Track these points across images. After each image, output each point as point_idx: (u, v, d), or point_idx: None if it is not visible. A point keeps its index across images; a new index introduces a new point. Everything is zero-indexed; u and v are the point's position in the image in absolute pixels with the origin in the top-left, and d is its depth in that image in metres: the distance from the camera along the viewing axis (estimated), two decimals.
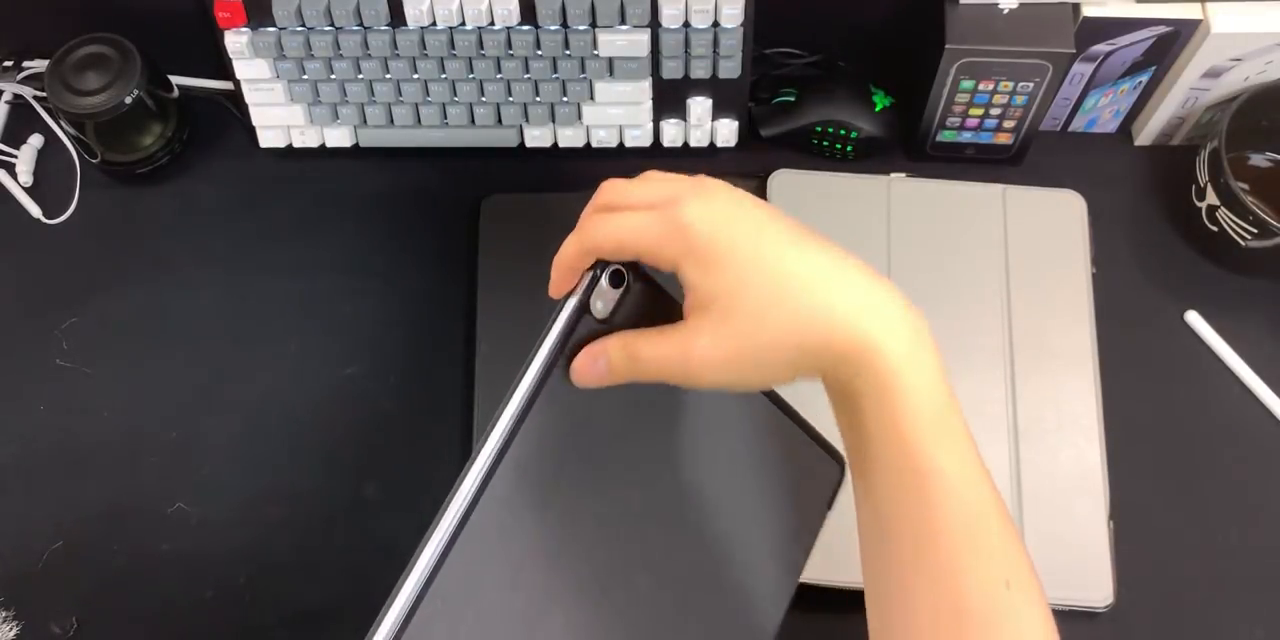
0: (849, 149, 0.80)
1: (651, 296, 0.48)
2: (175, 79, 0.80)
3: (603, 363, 0.45)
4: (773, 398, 0.55)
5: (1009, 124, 0.77)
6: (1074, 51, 0.72)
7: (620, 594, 0.49)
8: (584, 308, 0.46)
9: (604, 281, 0.46)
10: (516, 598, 0.45)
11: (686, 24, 0.72)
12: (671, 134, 0.79)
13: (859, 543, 0.48)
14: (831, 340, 0.42)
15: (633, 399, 0.49)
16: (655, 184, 0.46)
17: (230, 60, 0.75)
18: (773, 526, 0.57)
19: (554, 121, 0.78)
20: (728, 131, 0.79)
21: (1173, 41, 0.74)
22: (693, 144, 0.79)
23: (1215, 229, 0.74)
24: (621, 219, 0.44)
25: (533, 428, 0.45)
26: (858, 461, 0.46)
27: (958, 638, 0.44)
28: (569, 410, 0.46)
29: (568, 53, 0.73)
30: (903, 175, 0.78)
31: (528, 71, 0.74)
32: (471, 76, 0.75)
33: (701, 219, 0.43)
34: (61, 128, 0.80)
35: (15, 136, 0.83)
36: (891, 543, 0.45)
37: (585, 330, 0.46)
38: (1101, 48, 0.74)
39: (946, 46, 0.71)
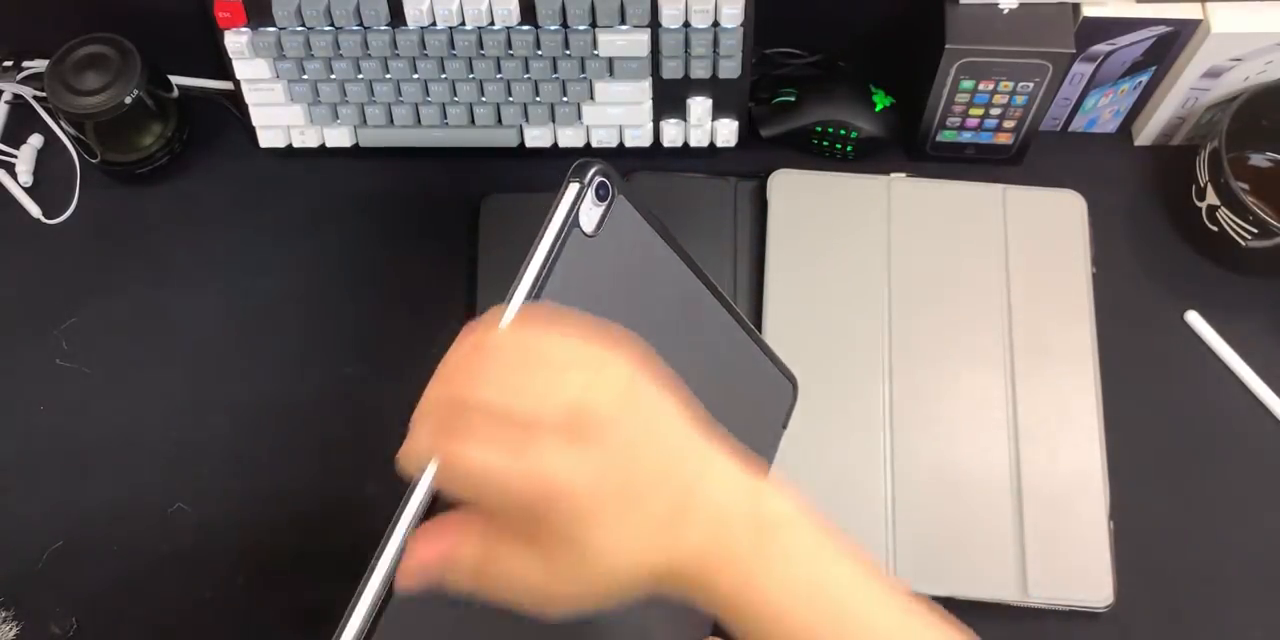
0: (849, 149, 0.80)
1: (636, 216, 0.48)
2: (175, 79, 0.80)
3: (446, 565, 0.41)
4: (735, 317, 0.55)
5: (1009, 124, 0.77)
6: (1074, 51, 0.72)
7: None
8: (573, 220, 0.45)
9: (590, 194, 0.46)
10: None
11: (686, 24, 0.72)
12: (671, 134, 0.79)
13: None
14: (677, 579, 0.40)
15: (623, 317, 0.47)
16: (530, 393, 0.39)
17: (230, 60, 0.75)
18: (733, 439, 0.56)
19: (554, 121, 0.78)
20: (728, 131, 0.79)
21: (1173, 41, 0.74)
22: (693, 144, 0.79)
23: (1215, 229, 0.74)
24: (476, 459, 0.39)
25: None
26: None
27: None
28: None
29: (568, 53, 0.73)
30: (903, 175, 0.78)
31: (528, 71, 0.74)
32: (471, 76, 0.75)
33: (569, 474, 0.38)
34: (61, 128, 0.80)
35: (15, 136, 0.83)
36: None
37: (574, 246, 0.45)
38: (1101, 48, 0.74)
39: (946, 46, 0.71)
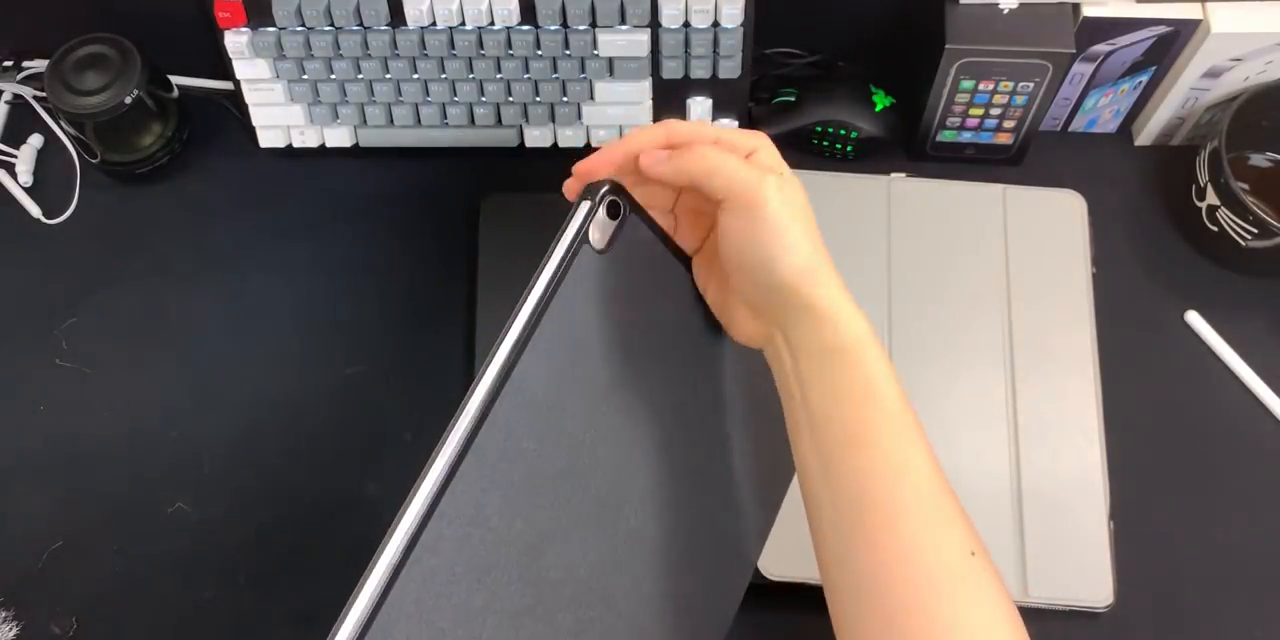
0: (849, 149, 0.80)
1: (644, 230, 0.49)
2: (175, 79, 0.80)
3: (669, 155, 0.48)
4: None
5: (1009, 124, 0.77)
6: (1074, 51, 0.72)
7: (614, 523, 0.49)
8: (583, 237, 0.46)
9: (601, 212, 0.47)
10: (518, 520, 0.45)
11: (686, 24, 0.72)
12: None
13: (813, 526, 0.49)
14: (817, 277, 0.48)
15: (630, 331, 0.49)
16: (733, 134, 0.50)
17: (230, 60, 0.75)
18: (756, 463, 0.57)
19: (554, 121, 0.78)
20: None
21: (1173, 41, 0.74)
22: None
23: (1215, 229, 0.74)
24: (721, 156, 0.48)
25: (534, 353, 0.45)
26: (827, 430, 0.49)
27: (931, 606, 0.45)
28: (568, 338, 0.46)
29: (568, 53, 0.73)
30: (903, 175, 0.78)
31: (528, 71, 0.74)
32: (471, 76, 0.75)
33: (781, 194, 0.48)
34: (61, 128, 0.80)
35: (15, 136, 0.83)
36: (860, 519, 0.47)
37: (583, 261, 0.46)
38: (1101, 48, 0.74)
39: (946, 46, 0.71)
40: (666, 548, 0.52)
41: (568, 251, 0.46)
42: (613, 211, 0.47)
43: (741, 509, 0.57)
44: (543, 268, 0.46)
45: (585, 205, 0.47)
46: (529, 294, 0.45)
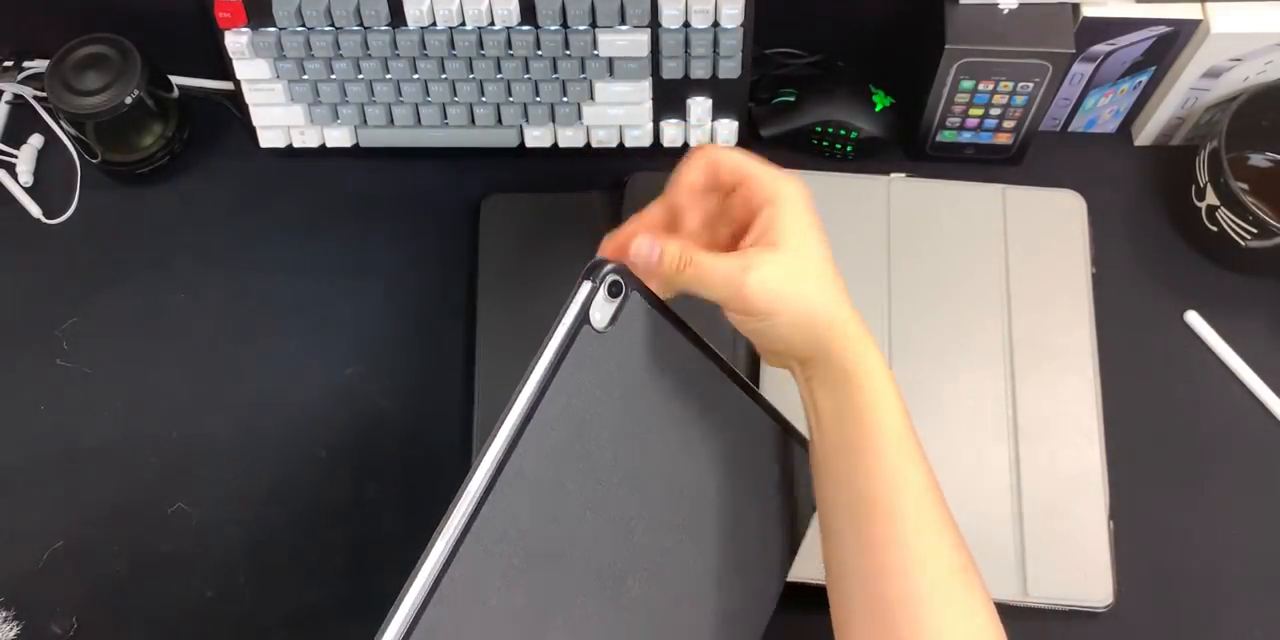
0: (849, 149, 0.80)
1: (648, 310, 0.49)
2: (175, 79, 0.81)
3: (657, 252, 0.51)
4: (762, 404, 0.56)
5: (1009, 124, 0.77)
6: (1074, 51, 0.72)
7: (616, 595, 0.49)
8: (584, 317, 0.47)
9: (602, 292, 0.47)
10: (518, 598, 0.45)
11: (686, 24, 0.72)
12: (671, 134, 0.79)
13: (823, 533, 0.52)
14: (832, 327, 0.51)
15: (632, 406, 0.49)
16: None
17: (230, 60, 0.75)
18: (765, 529, 0.57)
19: (554, 121, 0.78)
20: (728, 132, 0.79)
21: (1172, 41, 0.74)
22: (693, 144, 0.79)
23: (1215, 229, 0.74)
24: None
25: (534, 435, 0.45)
26: (835, 446, 0.52)
27: (920, 615, 0.49)
28: (569, 418, 0.47)
29: (568, 53, 0.73)
30: (903, 175, 0.78)
31: (528, 72, 0.74)
32: (471, 77, 0.75)
33: (810, 199, 0.53)
34: (62, 128, 0.80)
35: (15, 136, 0.83)
36: (861, 529, 0.50)
37: (584, 342, 0.47)
38: (1101, 48, 0.74)
39: (946, 46, 0.71)
40: (670, 614, 0.52)
41: (569, 332, 0.46)
42: (614, 290, 0.48)
43: (748, 573, 0.57)
44: (544, 348, 0.46)
45: (586, 286, 0.47)
46: (530, 375, 0.46)
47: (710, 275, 0.51)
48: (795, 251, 0.51)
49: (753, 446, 0.57)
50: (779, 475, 0.59)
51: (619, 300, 0.48)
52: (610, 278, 0.47)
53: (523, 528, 0.45)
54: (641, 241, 0.51)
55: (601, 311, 0.47)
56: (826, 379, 0.52)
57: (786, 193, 0.52)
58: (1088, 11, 0.72)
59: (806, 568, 0.67)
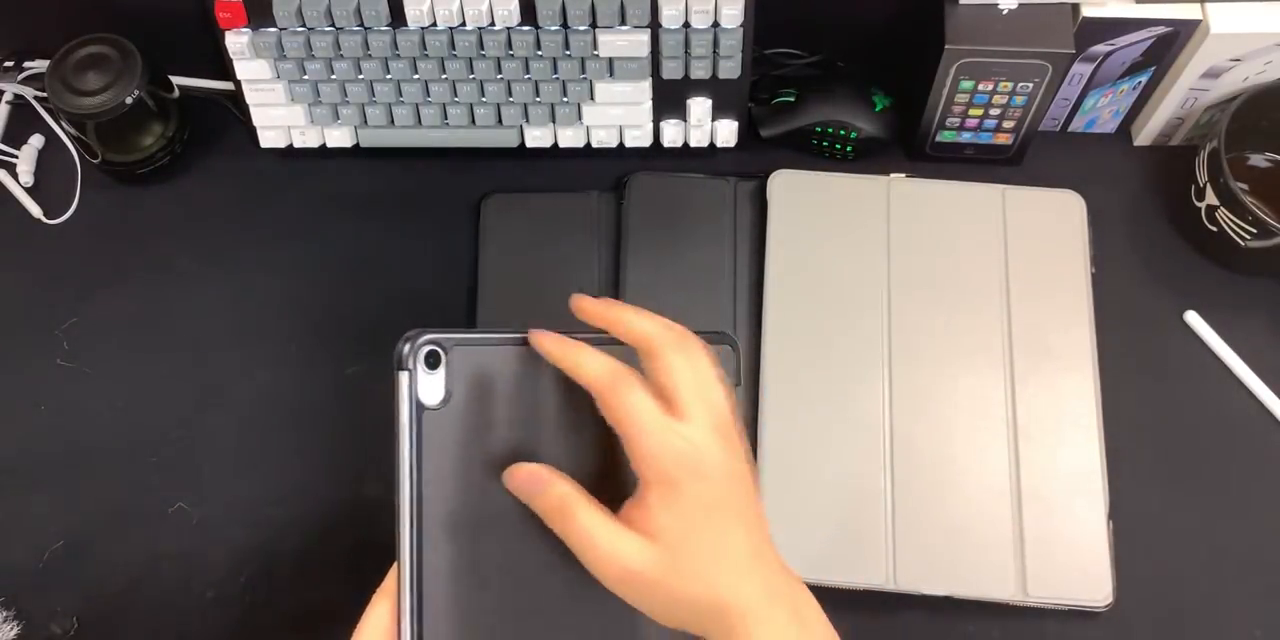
0: (849, 149, 0.80)
1: (475, 347, 0.49)
2: (176, 79, 0.81)
3: (540, 487, 0.47)
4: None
5: (1009, 124, 0.77)
6: (1074, 52, 0.72)
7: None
8: (418, 407, 0.47)
9: (421, 374, 0.47)
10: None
11: (686, 24, 0.72)
12: (671, 134, 0.79)
13: None
14: (721, 621, 0.45)
15: (519, 438, 0.50)
16: (689, 383, 0.47)
17: (231, 60, 0.75)
18: None
19: (554, 122, 0.78)
20: (728, 132, 0.79)
21: (1172, 42, 0.74)
22: (693, 144, 0.79)
23: (1215, 229, 0.74)
24: (645, 405, 0.46)
25: (432, 525, 0.47)
26: None
27: None
28: (457, 483, 0.48)
29: (568, 53, 0.73)
30: (903, 175, 0.78)
31: (528, 72, 0.74)
32: (472, 77, 0.75)
33: (706, 458, 0.46)
34: (62, 128, 0.80)
35: (16, 136, 0.83)
36: None
37: (432, 425, 0.47)
38: (1101, 48, 0.74)
39: (946, 46, 0.72)
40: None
41: (411, 428, 0.47)
42: (431, 363, 0.47)
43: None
44: (399, 449, 0.47)
45: (404, 377, 0.47)
46: (399, 475, 0.47)
47: (581, 545, 0.45)
48: (674, 547, 0.45)
49: None
50: None
51: (442, 366, 0.48)
52: (422, 350, 0.47)
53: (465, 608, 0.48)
54: (529, 470, 0.47)
55: (431, 389, 0.47)
56: None
57: (667, 476, 0.45)
58: (1087, 11, 0.72)
59: (798, 568, 0.67)
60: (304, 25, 0.73)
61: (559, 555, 0.50)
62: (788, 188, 0.77)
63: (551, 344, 0.48)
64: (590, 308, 0.49)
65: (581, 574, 0.50)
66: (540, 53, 0.73)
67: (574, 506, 0.45)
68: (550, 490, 0.46)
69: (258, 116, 0.79)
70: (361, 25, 0.73)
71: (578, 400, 0.50)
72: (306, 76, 0.76)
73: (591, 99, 0.76)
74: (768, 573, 0.46)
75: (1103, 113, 0.81)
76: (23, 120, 0.84)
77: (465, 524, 0.48)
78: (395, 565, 0.49)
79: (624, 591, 0.45)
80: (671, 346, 0.47)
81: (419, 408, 0.47)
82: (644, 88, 0.76)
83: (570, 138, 0.79)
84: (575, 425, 0.51)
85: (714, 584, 0.45)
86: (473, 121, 0.78)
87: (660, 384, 0.47)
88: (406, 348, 0.47)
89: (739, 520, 0.46)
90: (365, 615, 0.48)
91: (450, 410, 0.48)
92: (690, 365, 0.47)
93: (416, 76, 0.75)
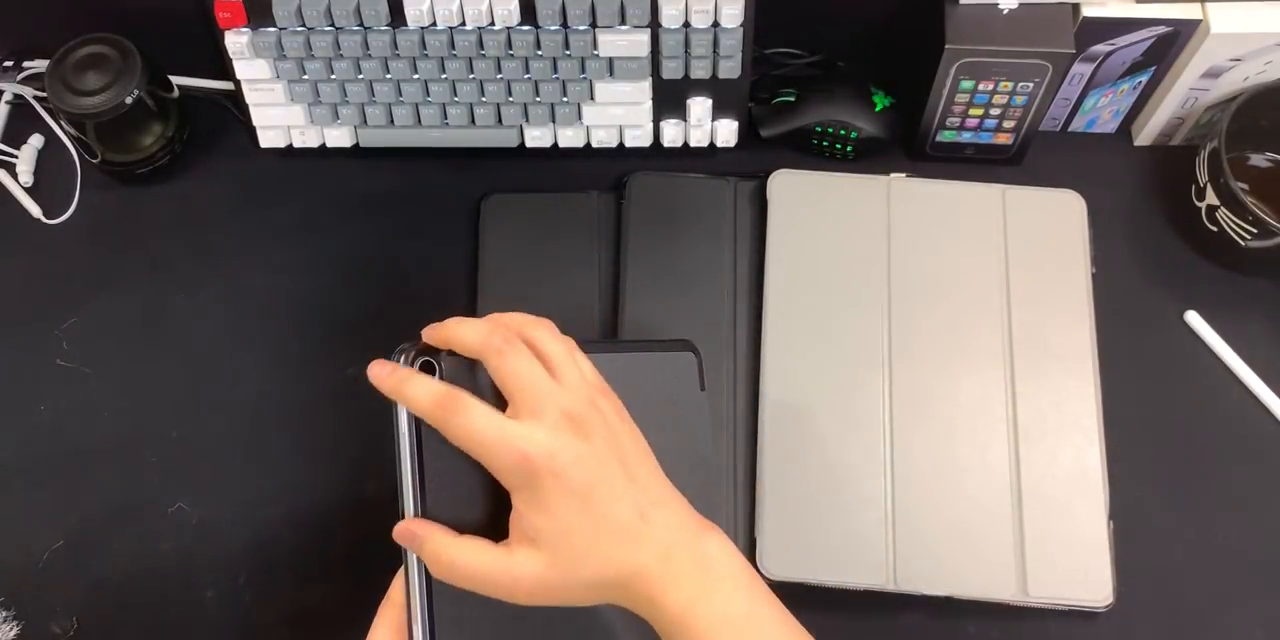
0: (849, 149, 0.80)
1: (469, 371, 0.50)
2: (175, 79, 0.81)
3: (417, 543, 0.48)
4: (602, 346, 0.56)
5: (1009, 124, 0.77)
6: (1074, 52, 0.72)
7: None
8: (417, 417, 0.48)
9: None
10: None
11: (686, 24, 0.72)
12: (671, 134, 0.79)
13: None
14: (629, 589, 0.47)
15: None
16: (517, 371, 0.48)
17: (230, 60, 0.75)
18: (675, 449, 0.56)
19: (554, 121, 0.78)
20: (728, 132, 0.79)
21: (1172, 41, 0.74)
22: (692, 144, 0.79)
23: (1215, 229, 0.74)
24: (480, 421, 0.47)
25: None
26: None
27: None
28: (460, 494, 0.49)
29: (568, 53, 0.73)
30: (903, 175, 0.78)
31: (528, 72, 0.74)
32: (472, 77, 0.75)
33: (568, 467, 0.46)
34: (62, 128, 0.80)
35: (15, 136, 0.83)
36: None
37: (435, 431, 0.48)
38: (1101, 48, 0.74)
39: (946, 46, 0.72)
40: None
41: (411, 437, 0.48)
42: (427, 371, 0.49)
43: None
44: (400, 458, 0.48)
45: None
46: (403, 489, 0.48)
47: (475, 581, 0.47)
48: (557, 544, 0.46)
49: (634, 393, 0.56)
50: (661, 391, 0.57)
51: (437, 376, 0.49)
52: (417, 364, 0.49)
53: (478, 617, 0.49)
54: (402, 530, 0.48)
55: None
56: (655, 624, 0.48)
57: (523, 483, 0.46)
58: (1088, 11, 0.72)
59: (799, 568, 0.67)
60: (304, 25, 0.73)
61: None
62: (788, 188, 0.77)
63: (377, 376, 0.49)
64: (431, 334, 0.50)
65: None
66: (540, 52, 0.73)
67: (452, 552, 0.47)
68: (426, 547, 0.47)
69: (257, 116, 0.79)
70: (361, 25, 0.73)
71: None
72: (306, 76, 0.76)
73: (591, 99, 0.76)
74: (660, 532, 0.47)
75: (1103, 113, 0.81)
76: (22, 120, 0.84)
77: (471, 530, 0.49)
78: (400, 574, 0.49)
79: (540, 600, 0.47)
80: (495, 350, 0.48)
81: (418, 424, 0.48)
82: (644, 88, 0.76)
83: (570, 138, 0.78)
84: None
85: (602, 562, 0.46)
86: (472, 121, 0.78)
87: (500, 387, 0.48)
88: (401, 359, 0.49)
89: (611, 495, 0.47)
90: (374, 627, 0.49)
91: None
92: (518, 362, 0.48)
93: (416, 76, 0.75)
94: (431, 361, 0.49)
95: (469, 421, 0.46)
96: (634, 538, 0.47)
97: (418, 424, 0.48)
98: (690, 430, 0.57)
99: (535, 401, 0.47)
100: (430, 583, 0.48)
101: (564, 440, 0.47)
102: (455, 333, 0.49)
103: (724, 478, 0.69)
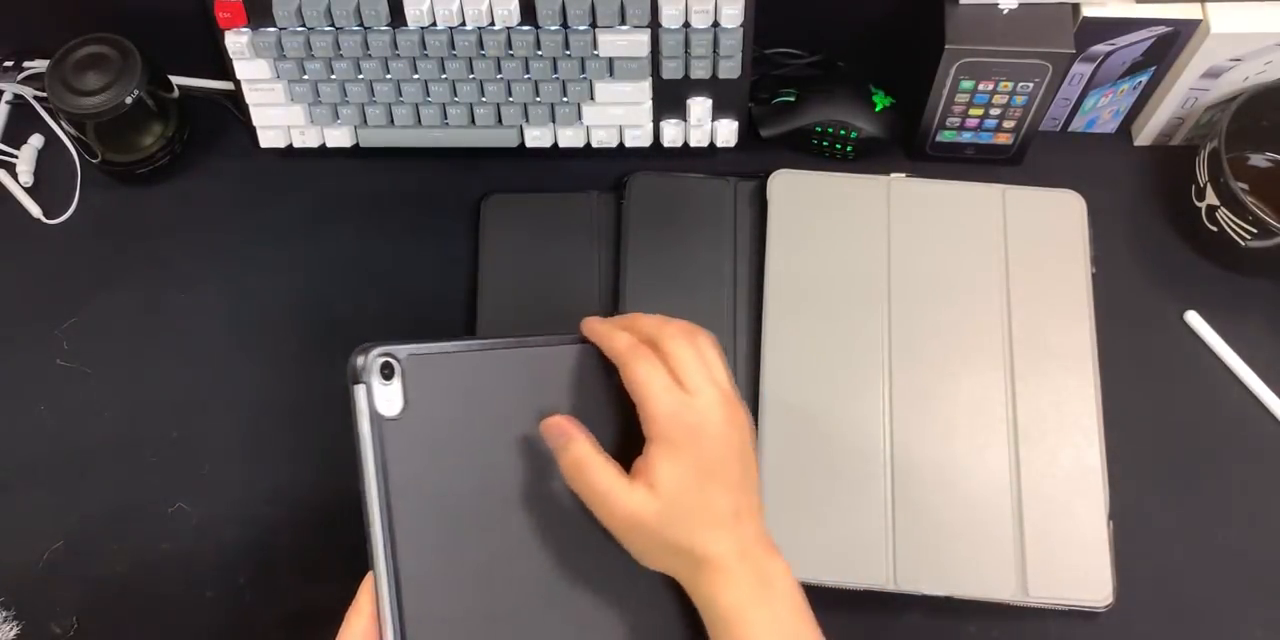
0: (849, 149, 0.80)
1: (430, 354, 0.49)
2: (175, 79, 0.81)
3: (563, 441, 0.52)
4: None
5: (1009, 124, 0.77)
6: (1074, 51, 0.72)
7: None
8: (377, 417, 0.48)
9: (377, 385, 0.48)
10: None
11: (686, 24, 0.72)
12: (671, 134, 0.79)
13: None
14: (697, 571, 0.51)
15: (483, 441, 0.51)
16: (695, 364, 0.53)
17: (230, 60, 0.75)
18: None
19: (554, 121, 0.78)
20: (728, 132, 0.79)
21: (1172, 41, 0.74)
22: (693, 144, 0.79)
23: (1215, 229, 0.74)
24: (657, 374, 0.52)
25: (405, 534, 0.48)
26: None
27: None
28: (429, 499, 0.49)
29: (568, 53, 0.73)
30: (903, 175, 0.78)
31: (528, 72, 0.74)
32: (472, 77, 0.75)
33: (707, 425, 0.52)
34: (62, 128, 0.80)
35: (15, 136, 0.83)
36: None
37: (393, 434, 0.48)
38: (1101, 48, 0.74)
39: (946, 46, 0.72)
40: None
41: (374, 439, 0.48)
42: (387, 373, 0.48)
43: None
44: (362, 460, 0.48)
45: (359, 390, 0.48)
46: (365, 488, 0.48)
47: (594, 496, 0.51)
48: (669, 499, 0.50)
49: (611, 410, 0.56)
50: None
51: (398, 376, 0.49)
52: (376, 364, 0.48)
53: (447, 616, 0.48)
54: (557, 422, 0.52)
55: (388, 400, 0.48)
56: (707, 612, 0.51)
57: (670, 437, 0.51)
58: (1088, 11, 0.72)
59: (799, 568, 0.67)
60: (304, 25, 0.73)
61: (535, 552, 0.51)
62: (788, 188, 0.77)
63: (594, 325, 0.55)
64: (597, 326, 0.55)
65: (559, 569, 0.51)
66: (540, 53, 0.73)
67: (589, 463, 0.51)
68: (571, 446, 0.51)
69: (257, 116, 0.79)
70: (361, 25, 0.73)
71: (542, 401, 0.52)
72: (306, 76, 0.76)
73: (591, 99, 0.76)
74: (745, 536, 0.51)
75: (1103, 113, 0.81)
76: (22, 120, 0.84)
77: (439, 530, 0.49)
78: (367, 579, 0.49)
79: (623, 534, 0.51)
80: (673, 336, 0.53)
81: (378, 419, 0.48)
82: (644, 88, 0.76)
83: (570, 138, 0.78)
84: (537, 426, 0.52)
85: (693, 535, 0.50)
86: (472, 121, 0.78)
87: (670, 367, 0.52)
88: (360, 361, 0.48)
89: (726, 485, 0.52)
90: (340, 635, 0.50)
91: (410, 419, 0.49)
92: (694, 350, 0.53)
93: (416, 76, 0.75)
94: (391, 361, 0.49)
95: (650, 370, 0.52)
96: (723, 528, 0.51)
97: (380, 429, 0.48)
98: None
99: (702, 384, 0.53)
100: (399, 584, 0.48)
101: (717, 420, 0.52)
102: (637, 322, 0.55)
103: None
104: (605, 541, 0.52)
